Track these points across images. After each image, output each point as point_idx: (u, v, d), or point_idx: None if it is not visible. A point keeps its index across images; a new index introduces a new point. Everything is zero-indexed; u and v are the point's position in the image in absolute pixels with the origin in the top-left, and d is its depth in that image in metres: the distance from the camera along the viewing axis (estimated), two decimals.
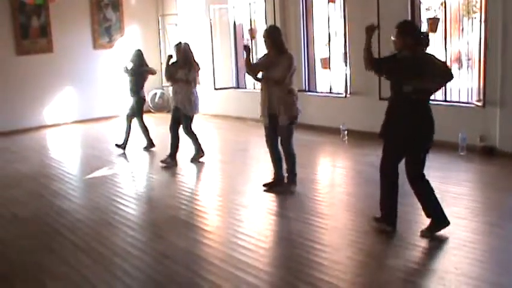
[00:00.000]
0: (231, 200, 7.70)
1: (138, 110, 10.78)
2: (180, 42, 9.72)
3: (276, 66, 7.36)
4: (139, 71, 10.78)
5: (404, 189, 7.56)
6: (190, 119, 9.53)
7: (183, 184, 8.71)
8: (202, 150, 9.69)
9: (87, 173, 9.48)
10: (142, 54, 10.94)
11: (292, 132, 7.58)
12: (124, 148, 10.86)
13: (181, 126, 9.58)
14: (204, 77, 14.62)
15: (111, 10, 15.28)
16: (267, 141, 7.75)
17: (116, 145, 10.91)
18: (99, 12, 15.10)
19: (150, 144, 10.96)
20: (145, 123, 10.89)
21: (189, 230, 6.50)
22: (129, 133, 10.86)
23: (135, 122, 10.82)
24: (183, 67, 9.36)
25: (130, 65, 10.83)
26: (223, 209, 7.40)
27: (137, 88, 10.74)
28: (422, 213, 6.16)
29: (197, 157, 9.69)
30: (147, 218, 7.22)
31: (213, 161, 10.01)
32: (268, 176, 8.21)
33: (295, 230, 6.40)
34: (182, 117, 9.50)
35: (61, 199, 8.01)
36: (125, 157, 10.70)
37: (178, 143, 9.63)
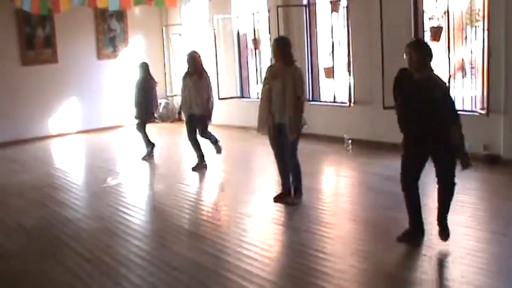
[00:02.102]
0: (235, 209, 7.70)
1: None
2: (190, 52, 9.93)
3: (281, 77, 7.28)
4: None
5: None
6: (206, 119, 9.65)
7: (187, 193, 8.71)
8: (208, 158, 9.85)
9: (91, 183, 9.49)
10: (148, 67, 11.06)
11: (298, 144, 7.53)
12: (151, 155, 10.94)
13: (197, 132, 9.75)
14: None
15: (115, 21, 15.34)
16: (278, 151, 7.63)
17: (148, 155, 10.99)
18: (103, 23, 15.17)
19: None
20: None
21: (194, 239, 6.50)
22: (146, 140, 10.98)
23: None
24: (192, 75, 9.54)
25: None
26: (228, 219, 7.40)
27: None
28: (426, 221, 6.18)
29: (201, 165, 9.75)
30: (151, 227, 7.22)
31: (217, 171, 10.02)
32: (273, 186, 8.22)
33: (299, 239, 6.39)
34: (198, 121, 9.62)
35: (65, 209, 8.03)
36: (130, 167, 10.73)
37: (201, 147, 9.82)
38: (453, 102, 5.83)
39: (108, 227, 7.07)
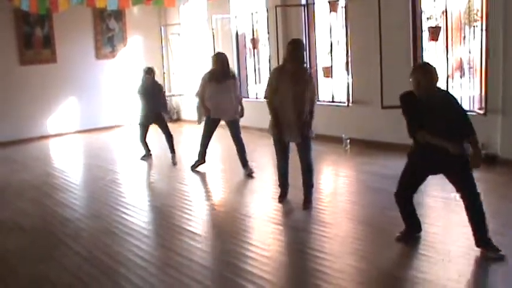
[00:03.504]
0: (234, 209, 7.71)
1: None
2: (218, 53, 9.70)
3: (301, 81, 7.12)
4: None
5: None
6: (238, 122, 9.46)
7: (186, 193, 8.72)
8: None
9: (89, 182, 9.50)
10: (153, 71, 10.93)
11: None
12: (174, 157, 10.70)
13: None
14: None
15: (113, 20, 15.34)
16: (283, 154, 7.54)
17: (173, 163, 10.58)
18: (101, 23, 15.17)
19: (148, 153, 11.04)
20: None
21: (192, 239, 6.50)
22: (168, 141, 10.77)
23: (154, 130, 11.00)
24: (221, 77, 9.18)
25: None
26: (226, 218, 7.41)
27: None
28: (425, 220, 6.19)
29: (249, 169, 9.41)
30: (150, 227, 7.22)
31: (216, 171, 10.04)
32: (271, 185, 8.24)
33: (297, 239, 6.41)
34: (233, 125, 9.37)
35: (64, 208, 8.04)
36: (128, 167, 10.75)
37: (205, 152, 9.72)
38: (465, 114, 5.74)
39: (107, 227, 7.08)
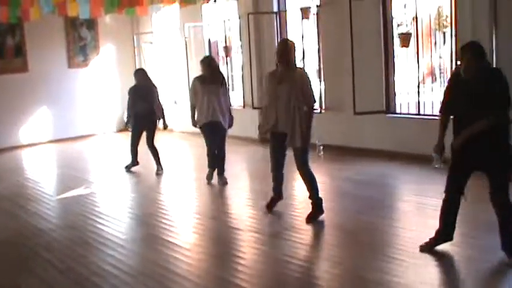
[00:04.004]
0: (209, 217, 7.73)
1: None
2: (206, 56, 9.50)
3: (287, 83, 6.87)
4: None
5: (384, 203, 7.68)
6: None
7: (160, 202, 8.70)
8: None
9: (64, 193, 9.43)
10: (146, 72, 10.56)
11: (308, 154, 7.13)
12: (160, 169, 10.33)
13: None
14: (180, 95, 14.70)
15: (86, 29, 15.26)
16: (277, 159, 7.28)
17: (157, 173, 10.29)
18: (74, 31, 15.08)
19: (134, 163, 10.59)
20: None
21: (167, 247, 6.49)
22: (153, 154, 10.38)
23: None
24: (212, 80, 8.94)
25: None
26: (201, 226, 7.41)
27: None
28: (399, 225, 6.25)
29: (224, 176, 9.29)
30: (124, 236, 7.18)
31: (191, 179, 10.03)
32: (245, 192, 8.26)
33: (273, 246, 6.42)
34: (222, 132, 9.10)
35: (37, 219, 7.96)
36: (103, 176, 10.69)
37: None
38: (502, 93, 5.32)
39: (81, 237, 7.03)
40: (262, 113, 7.33)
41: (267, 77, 7.37)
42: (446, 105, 5.67)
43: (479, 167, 5.50)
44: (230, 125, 9.19)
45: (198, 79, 9.07)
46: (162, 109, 10.47)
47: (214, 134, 9.02)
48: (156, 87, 10.44)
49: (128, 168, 10.56)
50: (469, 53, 5.35)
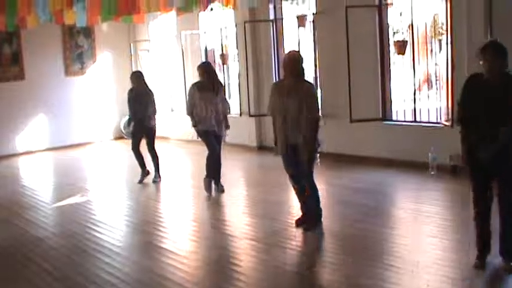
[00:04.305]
0: (206, 225, 7.74)
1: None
2: (204, 63, 9.37)
3: (295, 95, 6.76)
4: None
5: (381, 211, 7.70)
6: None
7: (157, 210, 8.71)
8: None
9: (60, 201, 9.43)
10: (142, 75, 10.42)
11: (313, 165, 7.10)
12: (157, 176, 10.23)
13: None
14: (177, 103, 14.72)
15: (83, 37, 15.27)
16: (291, 175, 7.17)
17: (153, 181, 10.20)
18: (70, 40, 15.09)
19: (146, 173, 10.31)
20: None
21: (164, 255, 6.50)
22: (152, 160, 10.24)
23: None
24: (210, 87, 8.89)
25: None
26: (197, 234, 7.42)
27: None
28: (395, 232, 6.25)
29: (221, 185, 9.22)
30: (121, 244, 7.19)
31: (187, 187, 10.04)
32: (242, 200, 8.26)
33: (268, 253, 6.42)
34: (216, 140, 9.01)
35: (34, 227, 7.96)
36: (100, 184, 10.69)
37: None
38: None
39: (78, 245, 7.03)
40: (274, 133, 7.11)
41: (273, 89, 7.18)
42: (465, 115, 5.44)
43: (494, 173, 5.42)
44: (226, 127, 9.11)
45: (195, 86, 9.05)
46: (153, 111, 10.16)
47: (212, 138, 8.96)
48: (151, 92, 10.22)
49: (140, 182, 10.17)
50: (493, 53, 5.20)
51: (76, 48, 15.24)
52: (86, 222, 8.01)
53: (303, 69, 7.00)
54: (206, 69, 9.05)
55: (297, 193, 7.27)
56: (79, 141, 15.20)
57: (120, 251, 6.85)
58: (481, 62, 5.24)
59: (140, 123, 10.06)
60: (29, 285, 5.87)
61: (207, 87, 8.89)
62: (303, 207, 7.24)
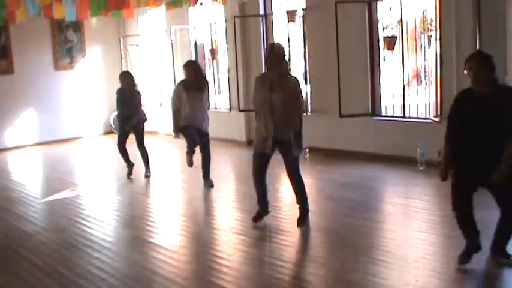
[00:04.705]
0: (196, 220, 7.75)
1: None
2: (191, 61, 9.35)
3: (280, 90, 6.65)
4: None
5: (369, 205, 7.74)
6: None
7: (146, 205, 8.72)
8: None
9: (49, 195, 9.41)
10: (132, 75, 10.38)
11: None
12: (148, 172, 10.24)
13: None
14: (166, 98, 14.70)
15: (72, 31, 15.23)
16: (256, 170, 7.05)
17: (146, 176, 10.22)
18: (60, 34, 15.05)
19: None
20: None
21: (153, 250, 6.51)
22: (142, 156, 10.26)
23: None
24: (196, 86, 8.84)
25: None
26: (187, 229, 7.43)
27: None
28: (384, 227, 6.28)
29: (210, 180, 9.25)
30: (110, 239, 7.18)
31: (177, 182, 10.04)
32: (232, 196, 8.29)
33: (258, 248, 6.45)
34: (205, 137, 9.02)
35: (24, 222, 7.94)
36: (89, 179, 10.68)
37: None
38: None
39: (67, 240, 7.03)
40: (258, 123, 6.95)
41: (256, 82, 7.05)
42: (454, 132, 5.32)
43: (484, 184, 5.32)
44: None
45: (182, 84, 9.00)
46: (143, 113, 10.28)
47: (195, 133, 8.90)
48: (138, 92, 10.23)
49: (128, 176, 10.21)
50: (477, 61, 5.14)
51: (65, 42, 15.21)
52: (76, 217, 8.00)
53: (286, 62, 6.94)
54: (194, 68, 8.99)
55: (258, 189, 7.13)
56: (68, 135, 15.19)
57: (109, 245, 6.85)
58: (465, 72, 5.18)
59: (128, 122, 10.04)
60: (18, 280, 5.86)
61: (194, 87, 8.84)
62: (258, 204, 7.15)
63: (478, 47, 8.48)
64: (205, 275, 5.69)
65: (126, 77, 10.22)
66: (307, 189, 7.16)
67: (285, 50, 6.98)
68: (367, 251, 6.03)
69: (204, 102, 9.01)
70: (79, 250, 6.65)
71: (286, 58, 6.99)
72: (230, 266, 5.95)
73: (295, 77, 6.91)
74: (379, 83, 10.53)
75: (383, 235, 6.39)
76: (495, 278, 5.39)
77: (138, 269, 5.96)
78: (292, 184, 7.13)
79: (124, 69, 15.85)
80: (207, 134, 9.05)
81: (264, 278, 5.57)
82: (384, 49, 10.34)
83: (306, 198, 7.14)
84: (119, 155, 10.23)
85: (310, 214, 7.14)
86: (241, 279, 5.67)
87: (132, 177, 10.18)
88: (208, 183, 9.11)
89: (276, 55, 6.73)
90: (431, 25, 10.43)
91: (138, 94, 10.18)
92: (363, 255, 5.91)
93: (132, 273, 5.85)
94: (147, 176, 10.14)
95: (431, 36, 10.28)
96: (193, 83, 8.85)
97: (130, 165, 10.26)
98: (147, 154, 10.25)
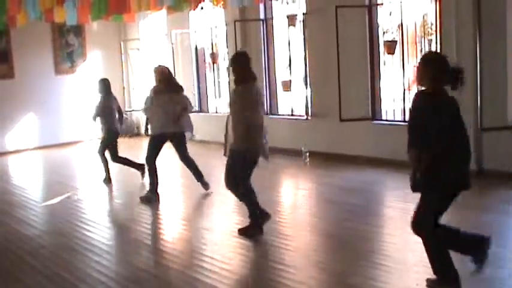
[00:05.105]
0: (195, 223, 7.75)
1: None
2: (159, 66, 9.25)
3: (232, 100, 6.86)
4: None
5: (370, 210, 7.73)
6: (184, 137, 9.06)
7: (146, 208, 8.71)
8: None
9: (50, 199, 9.41)
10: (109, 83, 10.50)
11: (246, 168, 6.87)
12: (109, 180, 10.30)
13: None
14: None
15: (73, 35, 15.25)
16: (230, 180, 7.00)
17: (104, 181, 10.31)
18: (61, 38, 15.07)
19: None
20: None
21: (153, 253, 6.52)
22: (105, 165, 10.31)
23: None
24: (170, 91, 8.76)
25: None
26: (187, 233, 7.43)
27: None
28: (384, 231, 6.28)
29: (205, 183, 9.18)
30: (110, 242, 7.20)
31: (175, 186, 10.05)
32: (231, 199, 8.27)
33: (258, 252, 6.46)
34: (180, 141, 9.01)
35: (24, 226, 7.94)
36: (89, 183, 10.68)
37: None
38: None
39: (68, 243, 7.03)
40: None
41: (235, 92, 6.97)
42: (420, 135, 5.04)
43: None
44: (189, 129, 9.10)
45: (152, 89, 8.92)
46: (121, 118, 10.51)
47: (160, 147, 8.90)
48: (114, 98, 10.45)
49: (105, 180, 10.28)
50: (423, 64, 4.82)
51: (66, 46, 15.22)
52: (76, 221, 8.00)
53: (242, 71, 6.75)
54: (161, 71, 8.91)
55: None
56: (69, 139, 15.16)
57: (109, 249, 6.86)
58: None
59: (110, 131, 10.21)
60: (18, 283, 5.86)
61: (164, 90, 8.73)
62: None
63: (478, 51, 8.50)
64: (205, 278, 5.68)
65: (102, 85, 10.41)
66: (308, 193, 7.18)
67: (238, 57, 6.95)
68: (367, 255, 6.03)
69: (176, 105, 8.76)
70: (79, 253, 6.64)
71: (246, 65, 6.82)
72: (231, 269, 5.95)
73: (248, 84, 6.74)
74: (380, 87, 10.53)
75: (383, 239, 6.39)
76: (495, 281, 5.38)
77: (138, 273, 5.95)
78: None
79: (125, 73, 15.91)
80: (182, 137, 8.96)
81: (264, 282, 5.57)
82: (384, 53, 10.34)
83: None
84: (100, 162, 10.36)
85: (310, 218, 7.14)
86: (241, 283, 5.68)
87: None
88: (204, 185, 9.03)
89: (233, 63, 6.82)
90: (431, 29, 10.43)
91: (116, 100, 10.47)
92: (364, 259, 5.91)
93: (132, 277, 5.84)
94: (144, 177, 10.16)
95: (431, 40, 10.28)
96: (164, 87, 8.75)
97: (107, 171, 10.27)
98: (128, 161, 10.37)
